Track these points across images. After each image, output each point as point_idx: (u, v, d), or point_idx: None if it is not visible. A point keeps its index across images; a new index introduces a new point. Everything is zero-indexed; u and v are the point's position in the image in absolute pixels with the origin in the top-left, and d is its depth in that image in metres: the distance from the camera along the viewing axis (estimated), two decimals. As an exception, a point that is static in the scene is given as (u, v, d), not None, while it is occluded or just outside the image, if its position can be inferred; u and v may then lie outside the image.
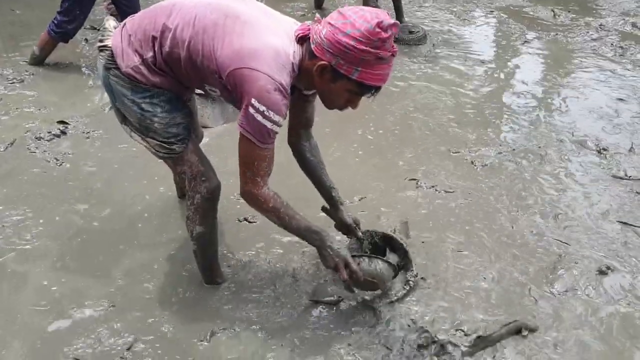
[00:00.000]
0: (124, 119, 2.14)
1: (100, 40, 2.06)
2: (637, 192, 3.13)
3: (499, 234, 2.77)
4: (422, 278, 2.43)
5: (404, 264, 2.41)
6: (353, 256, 2.14)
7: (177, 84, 2.05)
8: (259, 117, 1.83)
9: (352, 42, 1.76)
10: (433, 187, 3.10)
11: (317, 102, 2.12)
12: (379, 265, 2.19)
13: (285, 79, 1.84)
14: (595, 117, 3.98)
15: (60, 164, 3.08)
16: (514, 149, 3.52)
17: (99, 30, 4.67)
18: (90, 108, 3.66)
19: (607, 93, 4.36)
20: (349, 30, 1.76)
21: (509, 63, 4.92)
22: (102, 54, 2.05)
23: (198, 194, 2.13)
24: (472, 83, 4.43)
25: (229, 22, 1.88)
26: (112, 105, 2.18)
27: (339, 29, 1.78)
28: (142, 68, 1.99)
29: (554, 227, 2.84)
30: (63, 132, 3.35)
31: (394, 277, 2.30)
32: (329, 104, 2.00)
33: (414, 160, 3.35)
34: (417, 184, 3.11)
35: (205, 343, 2.12)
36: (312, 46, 1.85)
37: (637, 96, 4.32)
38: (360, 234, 2.37)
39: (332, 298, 2.34)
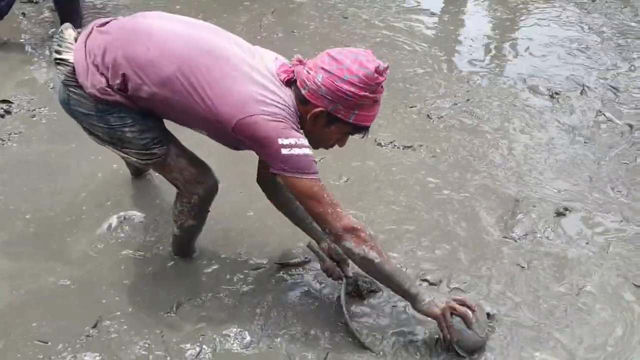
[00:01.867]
0: (90, 132, 1.95)
1: (57, 52, 1.86)
2: (586, 137, 3.20)
3: (458, 185, 2.81)
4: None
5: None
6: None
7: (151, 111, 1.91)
8: (296, 151, 1.75)
9: (352, 89, 1.74)
10: (391, 142, 3.10)
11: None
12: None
13: (279, 112, 1.77)
14: (547, 62, 4.03)
15: (7, 145, 2.96)
16: (468, 100, 3.54)
17: (36, 2, 4.51)
18: (33, 85, 3.50)
19: (560, 36, 4.41)
20: (347, 76, 1.74)
21: (459, 13, 4.89)
22: (60, 67, 1.86)
23: (195, 195, 2.05)
24: (422, 36, 4.38)
25: (219, 65, 1.77)
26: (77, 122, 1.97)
27: (336, 75, 1.74)
28: (110, 90, 1.82)
29: (511, 173, 2.90)
30: (7, 112, 3.20)
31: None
32: (317, 145, 1.94)
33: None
34: (375, 141, 3.11)
35: (172, 314, 2.10)
36: (304, 92, 1.80)
37: (590, 36, 4.38)
38: (351, 273, 2.17)
39: (297, 260, 2.34)
